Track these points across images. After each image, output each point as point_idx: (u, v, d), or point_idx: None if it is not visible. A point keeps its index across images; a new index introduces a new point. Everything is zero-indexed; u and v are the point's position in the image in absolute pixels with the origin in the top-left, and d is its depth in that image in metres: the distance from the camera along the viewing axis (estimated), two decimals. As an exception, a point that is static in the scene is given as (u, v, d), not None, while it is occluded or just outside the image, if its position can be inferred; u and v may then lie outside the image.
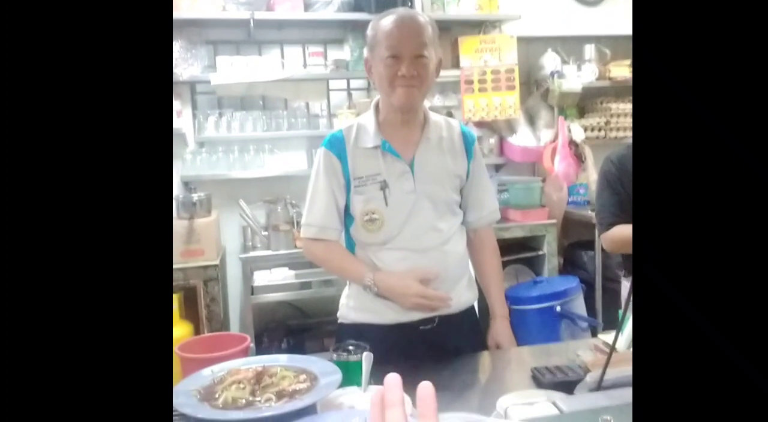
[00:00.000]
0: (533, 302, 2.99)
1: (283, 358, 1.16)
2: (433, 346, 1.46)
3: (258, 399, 0.98)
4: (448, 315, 1.49)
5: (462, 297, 1.53)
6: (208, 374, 1.09)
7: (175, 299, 2.75)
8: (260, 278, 2.91)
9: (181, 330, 2.73)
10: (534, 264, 3.42)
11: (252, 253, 2.96)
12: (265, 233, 2.99)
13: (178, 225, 2.77)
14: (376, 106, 1.51)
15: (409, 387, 0.50)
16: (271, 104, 3.29)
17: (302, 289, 2.94)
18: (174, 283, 2.77)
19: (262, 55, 3.22)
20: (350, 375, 1.14)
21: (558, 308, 2.98)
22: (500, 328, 1.56)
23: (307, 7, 3.11)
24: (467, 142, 1.55)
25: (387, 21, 1.40)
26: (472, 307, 1.59)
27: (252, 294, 2.88)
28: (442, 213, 1.49)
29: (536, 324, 2.98)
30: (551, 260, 3.35)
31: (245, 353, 1.24)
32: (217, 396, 0.99)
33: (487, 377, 1.44)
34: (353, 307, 1.52)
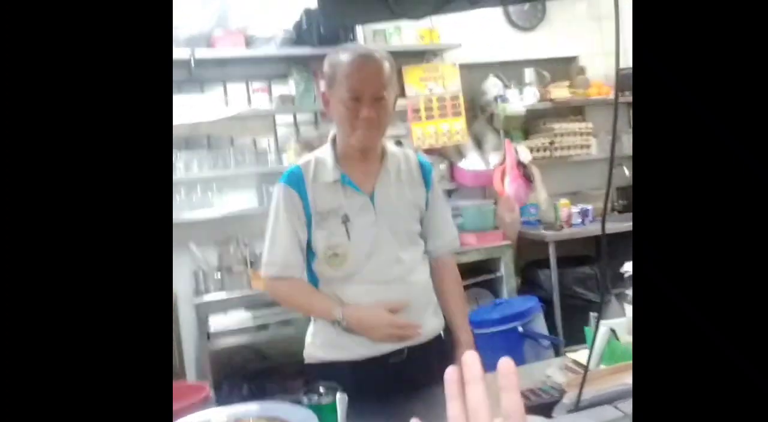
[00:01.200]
0: (495, 325, 2.98)
1: (254, 408, 1.09)
2: (404, 379, 1.41)
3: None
4: (416, 345, 1.45)
5: (429, 325, 1.50)
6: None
7: (126, 352, 2.61)
8: (216, 322, 2.80)
9: (133, 384, 2.59)
10: (493, 287, 3.42)
11: (206, 297, 2.86)
12: (218, 275, 2.89)
13: (125, 273, 2.64)
14: (333, 140, 1.49)
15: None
16: (217, 142, 3.22)
17: (260, 331, 2.85)
18: (124, 335, 2.63)
19: (205, 93, 3.17)
20: (325, 419, 1.08)
21: (520, 328, 2.98)
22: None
23: (248, 43, 3.09)
24: (425, 172, 1.56)
25: (347, 59, 1.38)
26: (440, 335, 1.56)
27: (208, 339, 2.76)
28: (404, 244, 1.47)
29: (500, 347, 2.96)
30: (509, 281, 3.37)
31: (205, 402, 1.17)
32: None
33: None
34: (319, 345, 1.47)
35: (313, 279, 1.48)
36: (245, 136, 3.25)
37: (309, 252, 1.46)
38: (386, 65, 1.39)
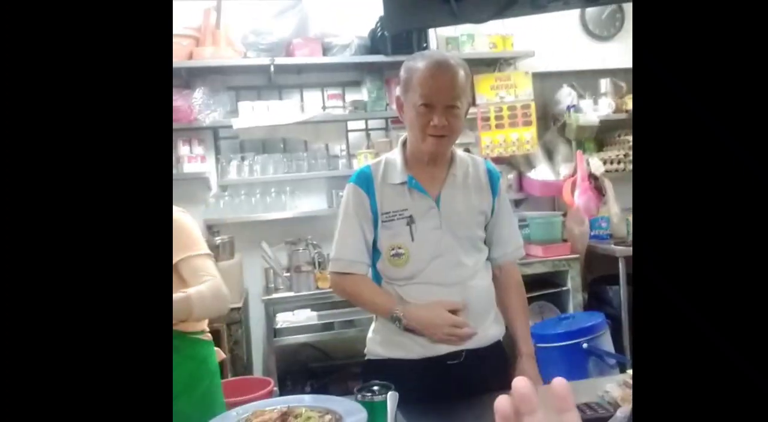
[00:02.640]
0: (559, 339, 2.92)
1: (307, 399, 1.15)
2: (461, 382, 1.43)
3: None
4: (475, 349, 1.47)
5: (489, 331, 1.51)
6: (233, 416, 1.08)
7: (199, 342, 2.75)
8: (283, 320, 2.91)
9: (204, 373, 2.73)
10: (558, 301, 3.36)
11: (274, 295, 2.96)
12: (287, 274, 3.00)
13: (202, 268, 2.79)
14: (404, 143, 1.54)
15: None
16: (292, 146, 3.34)
17: (325, 330, 2.92)
18: (198, 327, 2.78)
19: (283, 99, 3.29)
20: (376, 416, 1.12)
21: (585, 345, 2.91)
22: (526, 366, 1.53)
23: (325, 51, 3.19)
24: (492, 179, 1.57)
25: (422, 66, 1.41)
26: (500, 342, 1.57)
27: (275, 336, 2.87)
28: (466, 249, 1.50)
29: (563, 362, 2.91)
30: (576, 296, 3.30)
31: (269, 396, 1.24)
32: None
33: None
34: (380, 342, 1.52)
35: (377, 278, 1.53)
36: (319, 140, 3.35)
37: (374, 251, 1.51)
38: (461, 73, 1.42)
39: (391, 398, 1.14)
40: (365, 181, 1.50)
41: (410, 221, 1.46)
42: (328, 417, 1.06)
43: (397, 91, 1.50)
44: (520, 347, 1.56)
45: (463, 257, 1.48)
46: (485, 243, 1.57)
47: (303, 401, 1.14)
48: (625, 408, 1.09)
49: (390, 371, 1.32)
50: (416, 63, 1.43)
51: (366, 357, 1.57)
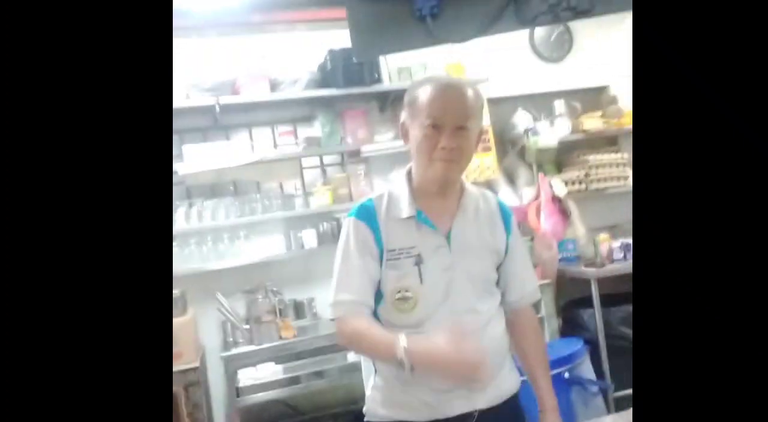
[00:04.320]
0: (539, 371, 2.81)
1: None
2: None
3: None
4: (489, 408, 1.31)
5: (504, 385, 1.36)
6: None
7: (154, 411, 2.51)
8: (245, 377, 2.71)
9: (162, 445, 2.48)
10: (534, 329, 3.26)
11: (234, 350, 2.76)
12: (247, 326, 2.79)
13: (152, 328, 2.57)
14: (408, 174, 1.39)
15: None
16: (243, 188, 3.17)
17: (292, 384, 2.74)
18: (151, 393, 2.54)
19: (230, 139, 3.14)
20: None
21: (566, 374, 2.81)
22: None
23: (273, 87, 3.07)
24: (505, 216, 1.44)
25: (430, 86, 1.31)
26: (516, 396, 1.40)
27: (237, 396, 2.66)
28: (479, 293, 1.35)
29: (546, 395, 2.79)
30: (551, 322, 3.21)
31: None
32: None
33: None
34: (381, 402, 1.34)
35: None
36: (272, 180, 3.22)
37: (376, 294, 1.35)
38: (471, 94, 1.31)
39: None
40: (368, 214, 1.33)
41: (418, 260, 1.30)
42: None
43: (402, 116, 1.38)
44: (545, 401, 1.41)
45: (476, 302, 1.33)
46: (497, 286, 1.42)
47: None
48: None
49: None
50: (422, 85, 1.33)
51: (366, 419, 1.38)
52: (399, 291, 1.30)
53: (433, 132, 1.28)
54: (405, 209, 1.33)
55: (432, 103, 1.28)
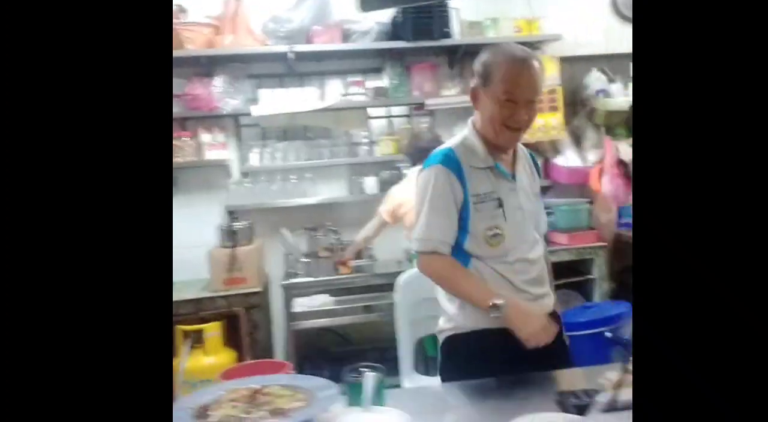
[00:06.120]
0: (582, 328, 2.85)
1: (284, 378, 1.16)
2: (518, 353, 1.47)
3: (249, 417, 0.98)
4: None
5: (552, 298, 1.63)
6: (208, 393, 1.10)
7: (218, 327, 2.81)
8: (300, 305, 2.93)
9: (223, 357, 2.78)
10: (584, 289, 3.28)
11: (292, 280, 2.99)
12: (306, 260, 3.02)
13: (221, 253, 2.84)
14: (474, 126, 1.57)
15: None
16: (313, 133, 3.35)
17: (343, 315, 2.93)
18: (216, 311, 2.83)
19: (303, 86, 3.31)
20: (361, 397, 1.12)
21: (608, 334, 2.84)
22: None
23: (345, 38, 3.19)
24: (536, 163, 1.69)
25: (506, 60, 1.47)
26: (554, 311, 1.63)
27: (292, 320, 2.90)
28: (533, 226, 1.61)
29: (586, 352, 2.83)
30: (602, 285, 3.22)
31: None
32: (209, 413, 1.00)
33: (510, 399, 1.39)
34: (470, 314, 1.53)
35: (463, 259, 1.54)
36: (340, 127, 3.35)
37: (460, 232, 1.54)
38: (539, 68, 1.48)
39: (370, 378, 1.14)
40: (453, 163, 1.52)
41: (500, 203, 1.52)
42: (300, 395, 1.07)
43: (472, 82, 1.55)
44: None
45: (533, 232, 1.60)
46: None
47: (279, 380, 1.14)
48: (608, 394, 1.05)
49: (480, 343, 1.46)
50: (497, 57, 1.48)
51: (452, 333, 1.57)
52: (490, 229, 1.51)
53: (508, 105, 1.45)
54: (482, 160, 1.53)
55: (509, 80, 1.44)
